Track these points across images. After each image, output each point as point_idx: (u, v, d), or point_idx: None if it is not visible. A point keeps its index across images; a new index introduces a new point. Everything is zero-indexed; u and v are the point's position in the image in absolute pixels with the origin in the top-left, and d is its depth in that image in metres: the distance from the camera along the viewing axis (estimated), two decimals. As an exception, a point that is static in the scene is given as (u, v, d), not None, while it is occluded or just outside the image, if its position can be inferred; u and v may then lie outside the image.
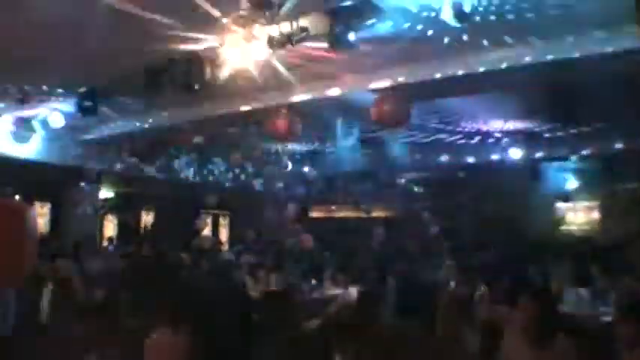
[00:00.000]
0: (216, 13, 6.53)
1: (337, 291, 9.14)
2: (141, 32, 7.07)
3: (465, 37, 7.03)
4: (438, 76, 7.97)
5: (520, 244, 13.38)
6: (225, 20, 6.72)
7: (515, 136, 13.01)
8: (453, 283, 8.66)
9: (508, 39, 7.16)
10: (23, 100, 9.87)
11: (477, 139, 13.37)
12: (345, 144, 13.10)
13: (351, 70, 8.48)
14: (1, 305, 5.67)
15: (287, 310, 4.91)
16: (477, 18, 6.29)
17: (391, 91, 8.46)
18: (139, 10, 6.42)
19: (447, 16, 5.83)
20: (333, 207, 19.71)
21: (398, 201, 18.01)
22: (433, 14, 6.27)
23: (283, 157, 15.92)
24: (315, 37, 6.67)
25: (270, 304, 5.16)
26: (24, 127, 12.20)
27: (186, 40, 7.38)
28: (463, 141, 13.57)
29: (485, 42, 7.28)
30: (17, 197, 12.66)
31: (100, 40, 7.36)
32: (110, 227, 17.37)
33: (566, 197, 15.43)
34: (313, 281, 10.23)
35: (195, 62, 7.85)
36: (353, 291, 7.99)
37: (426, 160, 14.73)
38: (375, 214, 18.63)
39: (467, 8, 5.82)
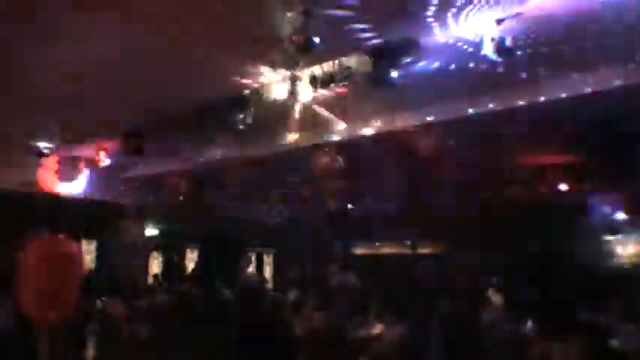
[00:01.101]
0: (260, 54, 6.64)
1: (383, 329, 9.05)
2: (187, 73, 7.22)
3: (502, 70, 6.99)
4: (477, 111, 7.93)
5: (569, 277, 13.09)
6: (269, 61, 6.83)
7: (562, 170, 12.81)
8: (500, 320, 8.51)
9: (545, 72, 7.11)
10: (71, 140, 10.11)
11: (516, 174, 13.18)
12: (388, 181, 13.06)
13: (393, 107, 8.50)
14: (50, 342, 5.75)
15: (332, 348, 4.89)
16: (519, 52, 6.29)
17: (432, 128, 8.45)
18: (186, 51, 6.56)
19: (489, 50, 5.83)
20: (378, 243, 19.58)
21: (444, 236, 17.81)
22: (473, 49, 6.27)
23: (327, 194, 15.92)
24: (358, 76, 6.72)
25: (313, 342, 5.14)
26: (71, 165, 12.48)
27: (231, 80, 7.50)
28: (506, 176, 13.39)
29: (523, 75, 7.24)
30: (64, 234, 12.89)
31: (146, 81, 7.54)
32: (155, 264, 17.54)
33: (616, 229, 15.07)
34: (358, 319, 10.14)
35: (240, 102, 7.96)
36: (399, 328, 7.91)
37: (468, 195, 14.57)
38: (420, 249, 18.45)
39: (509, 42, 5.81)
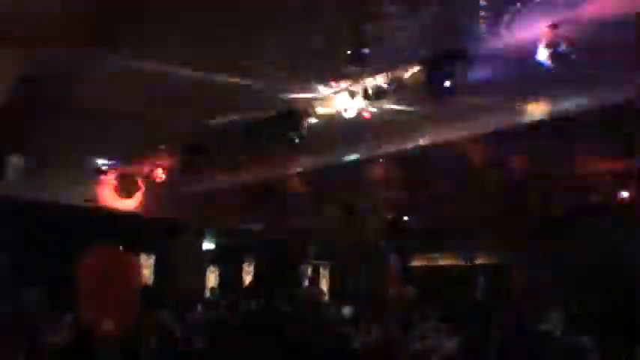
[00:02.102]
0: (314, 68, 6.68)
1: (440, 342, 8.94)
2: (242, 88, 7.30)
3: (558, 76, 6.85)
4: (532, 120, 7.79)
5: (631, 290, 12.72)
6: (322, 75, 6.86)
7: (621, 179, 12.46)
8: (560, 333, 8.32)
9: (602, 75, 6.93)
10: (128, 157, 10.30)
11: (579, 183, 12.87)
12: (445, 191, 12.93)
13: (447, 117, 8.43)
14: (108, 354, 5.85)
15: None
16: (573, 57, 6.16)
17: (489, 137, 8.34)
18: (242, 67, 6.64)
19: (543, 56, 5.73)
20: (435, 255, 19.39)
21: (501, 248, 17.53)
22: (527, 55, 6.17)
23: (383, 206, 15.84)
24: (412, 87, 6.69)
25: (372, 355, 5.10)
26: (128, 182, 12.74)
27: (285, 94, 7.55)
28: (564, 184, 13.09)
29: (579, 80, 7.06)
30: (122, 249, 13.13)
31: (203, 97, 7.66)
32: (212, 278, 17.69)
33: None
34: (415, 331, 10.04)
35: (294, 116, 8.00)
36: (456, 340, 7.81)
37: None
38: (477, 261, 18.19)
39: (564, 47, 5.70)
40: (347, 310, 11.70)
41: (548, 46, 5.64)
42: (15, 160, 10.12)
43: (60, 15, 5.11)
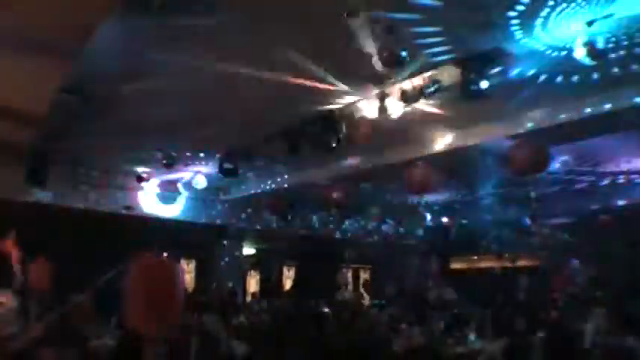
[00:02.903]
0: (349, 72, 6.71)
1: (482, 344, 8.89)
2: (279, 95, 7.36)
3: (596, 75, 6.79)
4: (574, 117, 7.69)
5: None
6: (358, 79, 6.89)
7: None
8: (605, 334, 8.19)
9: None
10: (169, 164, 10.44)
11: (621, 179, 12.67)
12: (486, 192, 12.87)
13: (485, 117, 8.38)
14: (154, 357, 5.94)
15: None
16: (612, 54, 6.09)
17: (527, 137, 8.25)
18: (278, 74, 6.71)
19: (580, 54, 5.67)
20: (475, 257, 19.25)
21: (543, 248, 17.32)
22: (564, 53, 6.13)
23: (422, 209, 15.80)
24: (448, 88, 6.68)
25: (413, 359, 5.10)
26: (170, 189, 12.94)
27: (321, 99, 7.60)
28: (607, 182, 12.90)
29: (618, 76, 6.96)
30: (165, 255, 13.31)
31: (240, 105, 7.75)
32: (253, 283, 17.81)
33: None
34: (457, 334, 9.99)
35: (332, 120, 8.04)
36: (499, 344, 7.74)
37: (572, 204, 14.14)
38: (519, 263, 18.00)
39: (600, 44, 5.63)
40: (387, 313, 11.68)
41: (584, 43, 5.59)
42: (59, 169, 10.33)
43: (103, 28, 5.22)
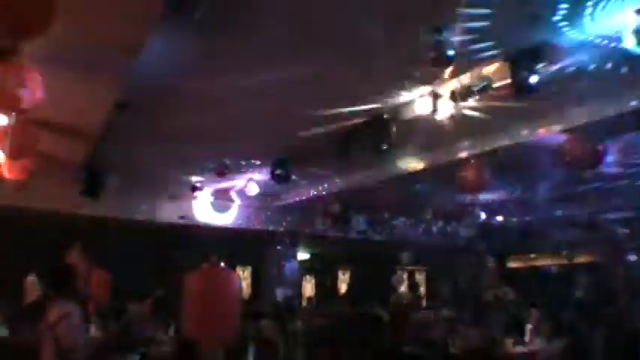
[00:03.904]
0: (397, 73, 6.68)
1: (541, 344, 8.75)
2: (328, 98, 7.39)
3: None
4: (625, 109, 7.50)
5: None
6: (406, 79, 6.86)
7: None
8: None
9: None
10: (222, 173, 10.55)
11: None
12: (540, 189, 12.67)
13: (536, 113, 8.24)
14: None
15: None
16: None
17: (580, 131, 8.09)
18: (326, 78, 6.72)
19: (630, 43, 5.52)
20: (532, 255, 18.97)
21: (601, 245, 16.95)
22: (613, 44, 5.99)
23: (476, 208, 15.63)
24: (497, 85, 6.60)
25: None
26: (223, 197, 13.09)
27: (370, 102, 7.59)
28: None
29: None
30: (222, 264, 13.48)
31: (289, 110, 7.79)
32: (308, 287, 17.87)
33: None
34: (515, 335, 9.86)
35: (381, 123, 8.02)
36: (558, 343, 7.61)
37: (630, 199, 13.79)
38: (577, 260, 17.66)
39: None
40: (443, 315, 11.58)
41: (634, 32, 5.44)
42: (112, 181, 10.54)
43: (150, 41, 5.31)
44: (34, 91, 4.95)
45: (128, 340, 7.51)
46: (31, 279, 6.44)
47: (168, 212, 13.24)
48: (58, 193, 10.97)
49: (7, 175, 6.98)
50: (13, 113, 5.39)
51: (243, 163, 10.60)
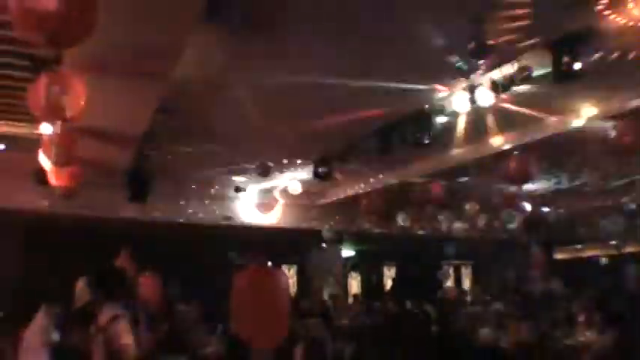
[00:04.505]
0: (436, 66, 6.63)
1: (591, 336, 8.59)
2: (367, 94, 7.35)
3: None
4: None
5: None
6: (446, 72, 6.79)
7: None
8: None
9: None
10: (264, 173, 10.61)
11: None
12: (588, 179, 12.44)
13: (581, 100, 8.09)
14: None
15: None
16: None
17: (628, 116, 7.90)
18: (364, 73, 6.70)
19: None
20: (580, 246, 18.66)
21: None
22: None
23: (522, 200, 15.42)
24: (539, 73, 6.50)
25: (522, 354, 4.98)
26: (266, 197, 13.15)
27: (411, 96, 7.54)
28: None
29: None
30: (269, 264, 13.54)
31: (329, 107, 7.79)
32: (354, 284, 17.86)
33: None
34: (565, 327, 9.70)
35: (422, 117, 7.97)
36: (609, 335, 7.47)
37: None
38: (626, 250, 17.31)
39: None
40: (492, 309, 11.48)
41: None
42: (159, 185, 10.66)
43: (192, 43, 5.35)
44: (77, 99, 5.03)
45: (177, 341, 7.60)
46: (81, 283, 6.53)
47: (213, 213, 13.36)
48: (106, 199, 11.17)
49: (54, 182, 7.10)
50: (58, 122, 5.47)
51: (286, 162, 10.63)
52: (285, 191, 12.36)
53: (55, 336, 6.56)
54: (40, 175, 7.79)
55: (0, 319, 8.74)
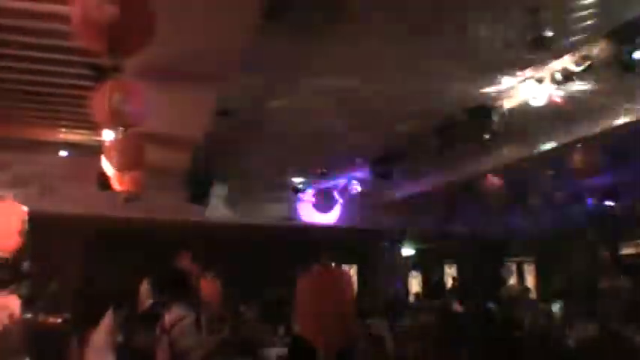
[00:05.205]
0: (495, 59, 6.53)
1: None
2: (426, 90, 7.30)
3: None
4: None
5: None
6: (505, 65, 6.69)
7: None
8: None
9: None
10: (323, 173, 10.64)
11: None
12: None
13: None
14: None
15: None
16: None
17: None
18: (422, 68, 6.64)
19: None
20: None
21: None
22: None
23: (587, 194, 15.09)
24: (601, 64, 6.34)
25: (590, 353, 4.87)
26: (325, 197, 13.17)
27: (470, 93, 7.45)
28: None
29: None
30: (332, 264, 13.56)
31: (387, 105, 7.75)
32: (415, 283, 17.75)
33: None
34: (635, 323, 9.44)
35: (483, 112, 7.87)
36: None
37: None
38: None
39: None
40: (557, 307, 11.25)
41: None
42: (219, 188, 10.80)
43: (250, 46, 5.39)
44: (138, 105, 5.13)
45: (240, 342, 7.67)
46: (145, 286, 6.68)
47: (273, 214, 13.45)
48: (167, 202, 11.35)
49: (117, 187, 7.25)
50: (120, 128, 5.59)
51: (345, 162, 10.63)
52: (344, 191, 12.36)
53: (121, 337, 6.71)
54: (103, 180, 7.97)
55: (66, 320, 8.97)
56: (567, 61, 6.46)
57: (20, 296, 7.79)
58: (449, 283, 18.08)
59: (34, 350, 7.24)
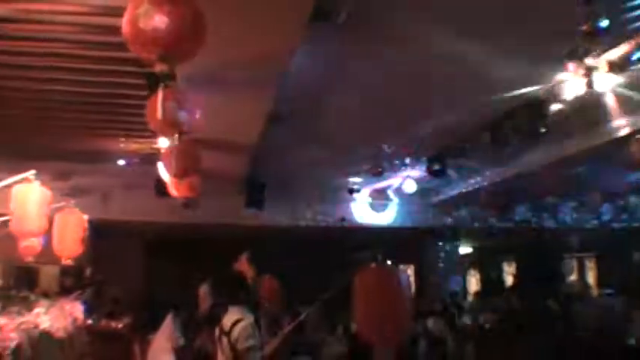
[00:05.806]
0: (548, 51, 6.42)
1: None
2: (477, 86, 7.22)
3: None
4: None
5: None
6: (559, 57, 6.57)
7: None
8: None
9: None
10: (378, 173, 10.63)
11: None
12: None
13: None
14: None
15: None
16: None
17: None
18: (473, 63, 6.57)
19: None
20: None
21: None
22: None
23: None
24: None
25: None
26: (381, 196, 13.16)
27: (523, 85, 7.35)
28: None
29: None
30: (389, 263, 13.54)
31: (441, 104, 7.71)
32: (473, 282, 17.58)
33: None
34: None
35: (536, 106, 7.76)
36: None
37: None
38: None
39: None
40: (618, 303, 10.98)
41: None
42: (273, 191, 10.89)
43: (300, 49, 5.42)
44: (192, 112, 5.21)
45: (300, 342, 7.72)
46: (204, 289, 6.78)
47: (328, 215, 13.50)
48: (224, 207, 11.50)
49: (175, 193, 7.37)
50: (175, 135, 5.68)
51: (398, 161, 10.60)
52: (399, 190, 12.32)
53: (182, 340, 6.83)
54: (161, 187, 8.11)
55: (127, 325, 9.15)
56: (623, 50, 6.32)
57: (84, 302, 8.01)
58: (508, 280, 17.87)
59: (98, 355, 7.44)
